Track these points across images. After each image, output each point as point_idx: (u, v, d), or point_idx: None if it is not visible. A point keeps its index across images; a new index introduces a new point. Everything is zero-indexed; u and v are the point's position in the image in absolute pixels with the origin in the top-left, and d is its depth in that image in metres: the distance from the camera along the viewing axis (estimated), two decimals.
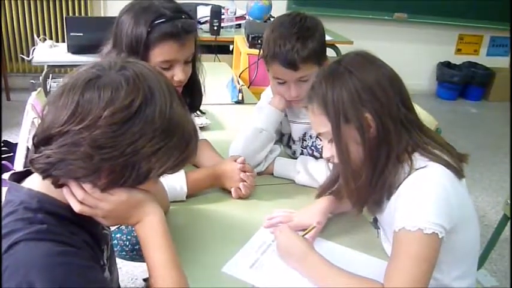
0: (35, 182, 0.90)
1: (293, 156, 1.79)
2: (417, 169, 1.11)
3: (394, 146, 1.13)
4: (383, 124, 1.12)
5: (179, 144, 0.89)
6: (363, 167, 1.16)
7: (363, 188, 1.17)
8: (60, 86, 0.86)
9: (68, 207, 0.90)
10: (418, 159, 1.13)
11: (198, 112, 1.69)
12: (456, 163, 1.15)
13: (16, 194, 0.89)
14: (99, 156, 0.81)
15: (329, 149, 1.21)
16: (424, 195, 1.08)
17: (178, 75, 1.39)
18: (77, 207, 0.89)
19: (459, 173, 1.14)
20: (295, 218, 1.36)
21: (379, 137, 1.13)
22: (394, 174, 1.14)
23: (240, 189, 1.49)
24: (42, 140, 0.84)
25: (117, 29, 1.36)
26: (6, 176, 0.93)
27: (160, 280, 0.91)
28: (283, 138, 1.83)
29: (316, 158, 1.70)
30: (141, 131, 0.83)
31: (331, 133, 1.16)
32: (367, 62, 1.18)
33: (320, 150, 1.70)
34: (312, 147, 1.71)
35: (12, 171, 0.96)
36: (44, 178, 0.86)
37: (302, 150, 1.75)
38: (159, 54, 1.34)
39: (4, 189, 0.92)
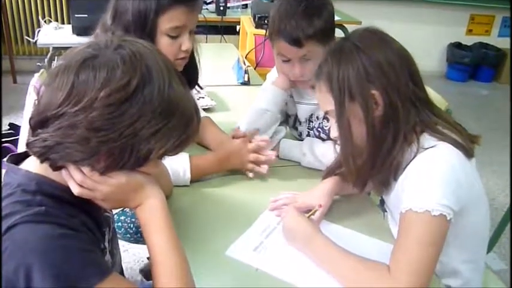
0: (33, 164, 0.88)
1: (299, 138, 1.77)
2: (425, 149, 1.08)
3: (402, 125, 1.10)
4: (391, 101, 1.09)
5: (179, 124, 0.86)
6: (366, 147, 1.13)
7: (363, 168, 1.15)
8: (56, 66, 0.83)
9: (67, 189, 0.88)
10: (427, 139, 1.10)
11: (197, 88, 1.66)
12: (466, 142, 1.11)
13: (14, 176, 0.87)
14: (97, 139, 0.79)
15: (334, 130, 1.19)
16: (432, 175, 1.04)
17: (186, 43, 1.38)
18: (76, 190, 0.87)
19: (468, 152, 1.11)
20: (299, 200, 1.34)
21: (387, 115, 1.10)
22: (402, 154, 1.12)
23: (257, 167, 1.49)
24: (38, 123, 0.82)
25: (118, 2, 1.33)
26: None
27: (160, 264, 0.89)
28: (289, 120, 1.80)
29: (323, 139, 1.68)
30: (139, 112, 0.80)
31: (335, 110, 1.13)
32: (376, 38, 1.15)
33: (327, 131, 1.67)
34: (319, 129, 1.69)
35: (11, 154, 0.94)
36: (41, 161, 0.84)
37: (308, 132, 1.73)
38: (170, 20, 1.33)
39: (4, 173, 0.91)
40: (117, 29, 1.33)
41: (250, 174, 1.50)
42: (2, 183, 0.88)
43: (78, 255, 0.80)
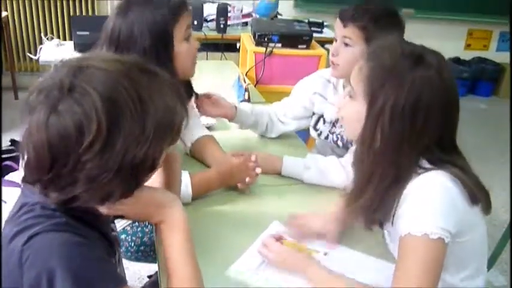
0: None
1: (318, 137, 1.86)
2: (420, 173, 1.08)
3: (404, 172, 1.09)
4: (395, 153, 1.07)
5: (164, 124, 0.85)
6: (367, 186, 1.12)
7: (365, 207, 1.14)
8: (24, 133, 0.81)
9: (82, 210, 0.89)
10: (424, 164, 1.10)
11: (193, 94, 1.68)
12: (476, 189, 1.09)
13: (31, 196, 0.89)
14: (98, 183, 0.80)
15: (342, 106, 1.20)
16: (429, 199, 1.05)
17: (195, 42, 1.47)
18: (104, 210, 0.91)
19: (473, 196, 1.08)
20: (307, 221, 1.33)
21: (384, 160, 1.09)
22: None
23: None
24: (38, 183, 0.83)
25: (125, 33, 1.33)
26: (13, 177, 0.93)
27: (176, 279, 0.94)
28: (313, 117, 1.87)
29: (338, 146, 1.78)
30: (125, 144, 0.79)
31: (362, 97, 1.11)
32: (439, 78, 1.07)
33: (345, 141, 1.75)
34: (338, 135, 1.77)
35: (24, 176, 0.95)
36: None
37: (328, 134, 1.81)
38: (183, 24, 1.39)
39: (4, 189, 0.93)
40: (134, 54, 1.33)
41: (247, 191, 1.51)
42: (17, 204, 0.90)
43: (97, 263, 0.84)
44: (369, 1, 1.64)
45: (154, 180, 1.24)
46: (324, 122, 1.83)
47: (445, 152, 1.10)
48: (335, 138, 1.80)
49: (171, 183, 1.20)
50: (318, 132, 1.85)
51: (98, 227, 0.93)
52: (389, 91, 1.05)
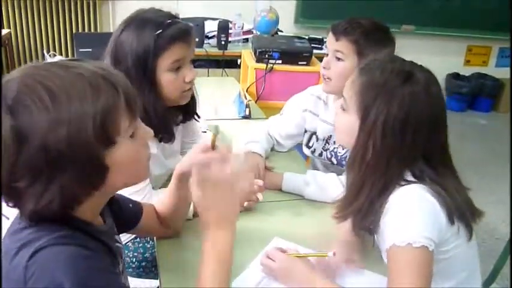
0: None
1: (311, 155, 1.85)
2: (402, 185, 1.11)
3: (391, 183, 1.12)
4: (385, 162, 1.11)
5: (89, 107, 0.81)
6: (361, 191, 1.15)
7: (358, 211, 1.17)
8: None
9: (84, 222, 0.89)
10: (407, 176, 1.13)
11: (195, 117, 1.70)
12: (455, 206, 1.11)
13: None
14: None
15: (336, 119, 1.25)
16: (411, 209, 1.08)
17: (189, 74, 1.44)
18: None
19: (450, 214, 1.10)
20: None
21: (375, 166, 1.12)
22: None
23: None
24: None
25: (117, 48, 1.38)
26: None
27: None
28: (305, 135, 1.86)
29: (333, 163, 1.77)
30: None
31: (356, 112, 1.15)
32: (426, 93, 1.11)
33: (339, 158, 1.73)
34: (332, 152, 1.76)
35: None
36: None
37: (322, 152, 1.79)
38: (169, 56, 1.39)
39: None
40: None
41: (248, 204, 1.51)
42: (18, 218, 0.89)
43: (104, 275, 0.84)
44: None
45: (164, 200, 1.26)
46: (317, 139, 1.83)
47: (431, 166, 1.13)
48: (329, 155, 1.79)
49: (181, 205, 1.22)
50: (312, 149, 1.85)
51: (100, 238, 0.93)
52: (380, 107, 1.09)
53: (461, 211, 1.12)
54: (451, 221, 1.09)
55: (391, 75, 1.12)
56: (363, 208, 1.15)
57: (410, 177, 1.12)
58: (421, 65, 1.17)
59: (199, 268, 0.98)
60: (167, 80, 1.41)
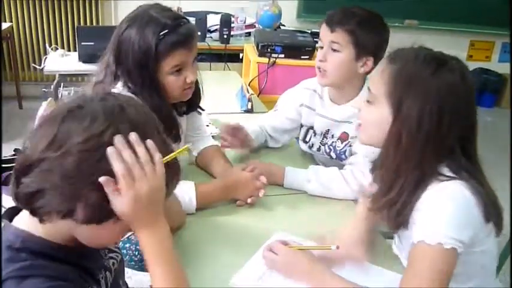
0: (24, 220, 0.86)
1: (309, 150, 1.82)
2: (442, 180, 1.08)
3: (426, 176, 1.10)
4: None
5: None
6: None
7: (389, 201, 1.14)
8: (41, 117, 0.84)
9: (57, 246, 0.85)
10: (444, 170, 1.10)
11: (198, 110, 1.69)
12: (490, 202, 1.10)
13: (4, 233, 0.85)
14: (69, 186, 0.77)
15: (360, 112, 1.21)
16: (447, 208, 1.05)
17: (190, 76, 1.43)
18: None
19: (485, 212, 1.08)
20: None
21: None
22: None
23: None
24: (22, 170, 0.79)
25: (119, 47, 1.37)
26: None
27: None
28: (301, 130, 1.84)
29: (332, 158, 1.74)
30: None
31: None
32: (462, 82, 1.10)
33: (338, 152, 1.71)
34: (331, 146, 1.74)
35: (8, 207, 0.90)
36: (30, 213, 0.82)
37: (320, 146, 1.77)
38: (170, 62, 1.37)
39: (5, 197, 0.91)
40: (123, 75, 1.38)
41: (251, 200, 1.50)
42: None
43: None
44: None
45: None
46: (315, 134, 1.81)
47: (467, 160, 1.11)
48: (327, 150, 1.76)
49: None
50: (309, 144, 1.83)
51: (71, 260, 0.86)
52: (415, 95, 1.06)
53: (496, 207, 1.11)
54: (486, 219, 1.08)
55: (424, 63, 1.09)
56: (398, 201, 1.11)
57: (448, 172, 1.10)
58: (451, 55, 1.14)
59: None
60: (168, 82, 1.41)
